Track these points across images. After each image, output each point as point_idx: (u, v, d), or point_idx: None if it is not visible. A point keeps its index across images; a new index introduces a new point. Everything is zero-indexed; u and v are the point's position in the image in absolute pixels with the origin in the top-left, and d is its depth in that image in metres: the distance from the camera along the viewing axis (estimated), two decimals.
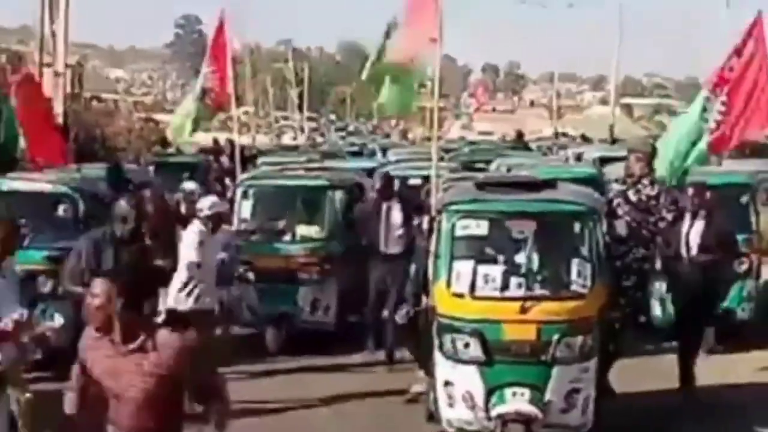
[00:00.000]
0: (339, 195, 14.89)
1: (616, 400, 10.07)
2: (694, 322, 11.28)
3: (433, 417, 9.62)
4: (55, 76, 24.28)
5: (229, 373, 11.96)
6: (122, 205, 9.71)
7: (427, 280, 9.70)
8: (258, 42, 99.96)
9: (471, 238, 9.51)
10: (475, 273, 9.17)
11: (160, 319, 5.71)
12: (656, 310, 12.51)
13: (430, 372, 9.61)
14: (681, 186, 12.24)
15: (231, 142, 20.93)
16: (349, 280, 13.97)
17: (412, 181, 16.21)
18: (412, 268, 10.68)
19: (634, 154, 11.46)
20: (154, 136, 35.40)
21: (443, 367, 9.12)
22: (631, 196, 10.84)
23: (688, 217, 11.43)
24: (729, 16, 22.37)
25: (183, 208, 14.39)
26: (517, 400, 8.79)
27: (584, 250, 9.39)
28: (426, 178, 14.68)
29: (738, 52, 12.79)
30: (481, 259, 9.39)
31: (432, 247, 9.70)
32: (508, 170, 17.82)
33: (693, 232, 11.43)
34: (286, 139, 62.48)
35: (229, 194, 16.97)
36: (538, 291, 9.15)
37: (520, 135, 36.41)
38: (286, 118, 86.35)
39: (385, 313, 12.60)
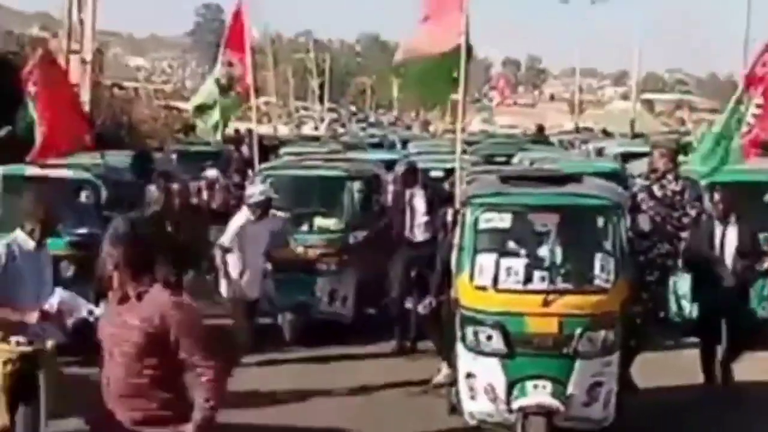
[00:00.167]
0: (357, 186, 14.90)
1: (638, 395, 10.05)
2: (730, 325, 11.25)
3: (455, 409, 9.61)
4: (81, 63, 24.38)
5: (246, 363, 12.19)
6: (153, 190, 10.02)
7: (451, 272, 9.69)
8: (279, 32, 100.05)
9: (494, 231, 9.49)
10: (498, 266, 9.14)
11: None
12: (674, 306, 12.50)
13: (452, 364, 9.62)
14: (713, 184, 12.20)
15: (250, 132, 20.93)
16: (367, 271, 13.99)
17: (434, 174, 16.20)
18: (437, 259, 10.67)
19: (658, 149, 11.49)
20: (178, 123, 35.51)
21: (465, 360, 9.11)
22: (656, 191, 10.83)
23: (717, 222, 11.35)
24: (751, 13, 22.25)
25: (204, 195, 14.52)
26: (538, 393, 8.76)
27: (608, 245, 9.37)
28: (447, 171, 14.68)
29: None
30: (505, 252, 9.38)
31: (455, 240, 9.70)
32: (531, 164, 17.79)
33: (728, 238, 11.34)
34: (306, 130, 62.59)
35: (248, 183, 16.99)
36: (561, 284, 9.11)
37: (540, 129, 36.44)
38: (306, 109, 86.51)
39: (409, 303, 12.59)
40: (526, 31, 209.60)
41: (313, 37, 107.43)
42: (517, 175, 10.44)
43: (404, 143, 31.39)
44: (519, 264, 9.18)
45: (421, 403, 10.77)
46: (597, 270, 9.14)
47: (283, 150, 24.00)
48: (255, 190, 11.57)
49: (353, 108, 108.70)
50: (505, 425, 9.07)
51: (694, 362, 11.38)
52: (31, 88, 12.95)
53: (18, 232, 8.80)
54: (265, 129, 40.31)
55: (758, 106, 12.53)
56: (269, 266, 12.53)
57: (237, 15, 17.29)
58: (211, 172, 15.19)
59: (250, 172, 17.82)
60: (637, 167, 15.24)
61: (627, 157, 21.35)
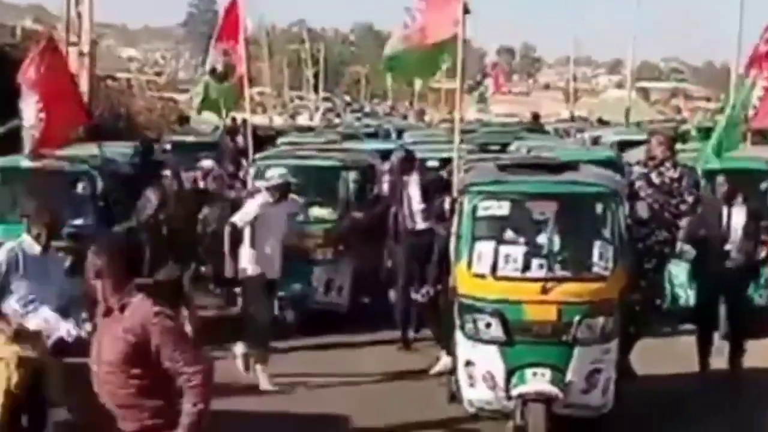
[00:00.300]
0: (352, 175, 14.89)
1: (637, 382, 10.08)
2: (730, 310, 11.27)
3: (455, 398, 9.63)
4: (80, 56, 24.55)
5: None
6: (149, 195, 10.15)
7: (449, 260, 9.70)
8: (273, 23, 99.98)
9: (492, 218, 9.50)
10: (496, 253, 9.16)
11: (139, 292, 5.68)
12: (669, 295, 12.56)
13: (451, 352, 9.63)
14: (711, 172, 12.23)
15: (245, 122, 20.93)
16: (363, 260, 13.98)
17: (430, 163, 16.18)
18: (434, 248, 10.67)
19: (655, 137, 11.46)
20: (174, 115, 35.57)
21: (464, 347, 9.12)
22: (654, 178, 10.80)
23: (723, 205, 11.40)
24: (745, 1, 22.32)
25: (201, 185, 14.55)
26: (537, 381, 8.78)
27: (606, 232, 9.40)
28: (443, 161, 14.66)
29: None
30: (503, 239, 9.38)
31: (453, 228, 9.70)
32: (528, 152, 17.80)
33: (735, 220, 11.38)
34: (301, 120, 62.48)
35: (242, 173, 17.01)
36: (559, 272, 9.13)
37: (536, 117, 36.43)
38: (301, 98, 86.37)
39: (413, 292, 12.55)
40: (521, 19, 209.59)
41: (306, 26, 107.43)
42: (515, 163, 10.44)
43: (399, 133, 31.35)
44: (517, 252, 9.19)
45: (420, 392, 10.79)
46: (595, 257, 9.16)
47: (280, 140, 23.99)
48: (273, 173, 11.61)
49: (348, 98, 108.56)
50: (503, 412, 9.09)
51: (691, 349, 11.40)
52: (32, 75, 12.87)
53: (24, 236, 8.93)
54: (260, 119, 40.34)
55: (766, 88, 12.55)
56: None
57: (233, 4, 17.26)
58: (207, 163, 15.21)
59: (244, 161, 17.84)
60: (634, 155, 15.25)
61: (623, 145, 21.39)
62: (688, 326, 12.09)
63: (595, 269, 9.13)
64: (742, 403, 10.44)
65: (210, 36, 18.18)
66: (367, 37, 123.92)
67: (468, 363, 9.09)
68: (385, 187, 15.19)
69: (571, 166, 10.17)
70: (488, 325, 8.92)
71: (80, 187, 13.39)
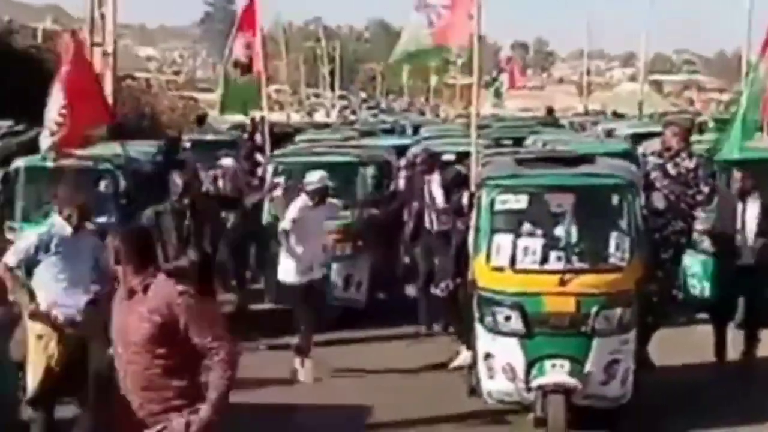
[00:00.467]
0: (369, 171, 14.97)
1: (655, 372, 10.14)
2: (748, 303, 11.32)
3: (474, 391, 9.70)
4: (103, 56, 24.76)
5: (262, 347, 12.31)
6: (175, 179, 11.07)
7: (467, 254, 9.78)
8: (290, 20, 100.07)
9: (510, 212, 9.59)
10: (514, 246, 9.26)
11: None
12: (686, 284, 12.60)
13: (470, 345, 9.72)
14: (727, 162, 12.25)
15: (262, 119, 21.02)
16: (380, 255, 14.05)
17: (446, 157, 16.25)
18: (452, 242, 10.75)
19: (670, 128, 11.48)
20: (194, 114, 35.77)
21: (484, 340, 9.21)
22: (670, 169, 10.83)
23: (738, 199, 11.42)
24: None
25: (221, 183, 14.65)
26: (556, 372, 8.87)
27: (623, 223, 9.47)
28: (459, 155, 14.73)
29: None
30: (521, 232, 9.47)
31: (472, 222, 9.79)
32: (544, 146, 17.86)
33: (749, 215, 11.37)
34: (318, 117, 62.57)
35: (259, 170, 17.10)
36: (577, 264, 9.22)
37: (550, 111, 36.44)
38: (317, 96, 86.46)
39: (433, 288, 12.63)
40: (534, 14, 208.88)
41: (322, 23, 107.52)
42: (531, 157, 10.52)
43: (415, 129, 31.36)
44: (535, 244, 9.29)
45: (439, 386, 10.85)
46: (612, 248, 9.25)
47: (298, 137, 24.08)
48: (314, 177, 11.72)
49: (363, 94, 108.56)
50: (523, 404, 9.20)
51: (706, 338, 11.44)
52: (62, 74, 12.98)
53: (55, 217, 8.80)
54: (278, 116, 40.44)
55: None
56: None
57: (250, 3, 17.47)
58: (227, 161, 15.29)
59: (261, 159, 17.94)
60: (649, 147, 15.27)
61: (636, 137, 21.42)
62: (703, 315, 12.14)
63: (612, 260, 9.22)
64: (756, 392, 10.49)
65: (227, 35, 18.32)
66: (382, 34, 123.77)
67: (488, 355, 9.18)
68: (401, 183, 15.31)
69: (588, 158, 10.25)
70: (507, 318, 9.02)
71: (103, 186, 13.57)
